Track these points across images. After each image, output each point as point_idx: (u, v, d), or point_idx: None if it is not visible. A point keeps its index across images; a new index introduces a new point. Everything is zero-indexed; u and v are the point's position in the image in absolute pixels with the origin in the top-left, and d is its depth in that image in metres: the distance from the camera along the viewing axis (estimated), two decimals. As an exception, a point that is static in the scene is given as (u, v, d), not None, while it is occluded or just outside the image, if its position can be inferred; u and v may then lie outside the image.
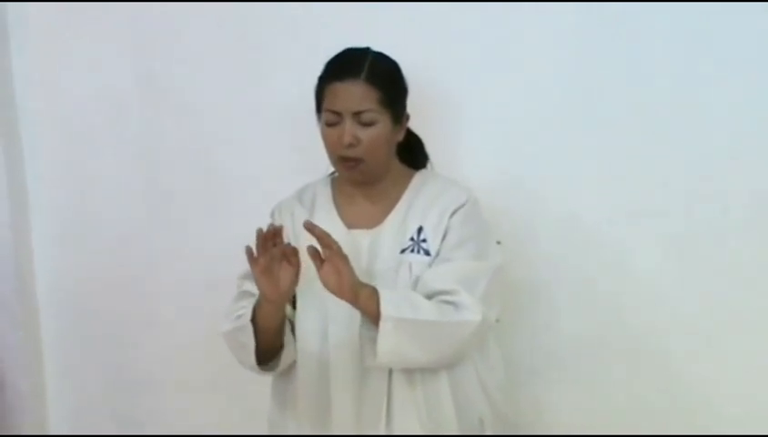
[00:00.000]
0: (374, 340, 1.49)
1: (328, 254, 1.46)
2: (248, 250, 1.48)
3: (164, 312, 2.30)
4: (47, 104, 2.34)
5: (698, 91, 1.80)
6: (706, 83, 1.79)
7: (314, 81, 1.63)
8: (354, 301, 1.49)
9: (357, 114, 1.56)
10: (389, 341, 1.47)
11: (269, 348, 1.61)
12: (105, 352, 2.40)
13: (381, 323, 1.46)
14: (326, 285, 1.47)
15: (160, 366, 2.34)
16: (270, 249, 1.48)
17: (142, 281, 2.32)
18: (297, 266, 1.52)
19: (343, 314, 1.59)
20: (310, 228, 1.45)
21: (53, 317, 2.43)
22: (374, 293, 1.49)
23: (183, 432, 2.29)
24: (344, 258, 1.46)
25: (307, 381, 1.63)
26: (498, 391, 1.67)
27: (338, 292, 1.47)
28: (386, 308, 1.47)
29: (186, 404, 2.31)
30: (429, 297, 1.53)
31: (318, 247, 1.46)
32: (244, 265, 1.64)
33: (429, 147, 1.79)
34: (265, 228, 1.48)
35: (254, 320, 1.58)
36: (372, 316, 1.49)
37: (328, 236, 1.46)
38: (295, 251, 1.51)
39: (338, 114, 1.57)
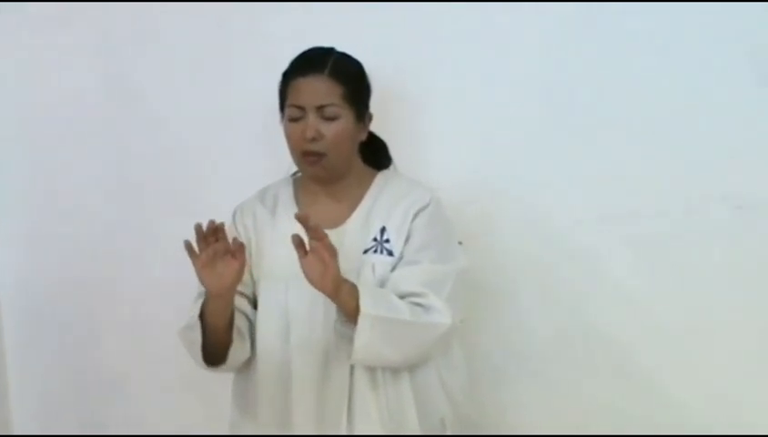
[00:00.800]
0: (347, 337, 1.49)
1: (317, 246, 1.44)
2: (187, 245, 1.46)
3: (131, 313, 2.28)
4: (17, 104, 2.32)
5: (672, 93, 1.81)
6: (679, 85, 1.80)
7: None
8: (334, 295, 1.48)
9: (320, 108, 1.56)
10: (366, 339, 1.47)
11: (221, 345, 1.59)
12: (70, 355, 2.38)
13: (360, 320, 1.46)
14: (307, 275, 1.45)
15: (127, 367, 2.32)
16: (212, 245, 1.47)
17: (109, 282, 2.30)
18: (242, 261, 1.50)
19: (305, 314, 1.59)
20: (304, 219, 1.44)
21: (18, 317, 2.41)
22: (354, 289, 1.48)
23: (149, 433, 2.27)
24: (333, 251, 1.45)
25: (267, 382, 1.62)
26: (460, 391, 1.67)
27: (320, 284, 1.46)
28: (365, 305, 1.46)
29: (153, 406, 2.29)
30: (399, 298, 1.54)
31: (304, 236, 1.45)
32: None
33: (398, 147, 1.79)
34: (204, 225, 1.47)
35: (203, 317, 1.56)
36: (350, 312, 1.49)
37: (320, 227, 1.45)
38: (241, 247, 1.50)
39: (301, 108, 1.57)
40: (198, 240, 1.47)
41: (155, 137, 2.21)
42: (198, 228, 1.46)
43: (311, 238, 1.44)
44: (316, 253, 1.44)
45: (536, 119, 1.90)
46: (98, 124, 2.25)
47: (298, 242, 1.44)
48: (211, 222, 1.47)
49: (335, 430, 1.57)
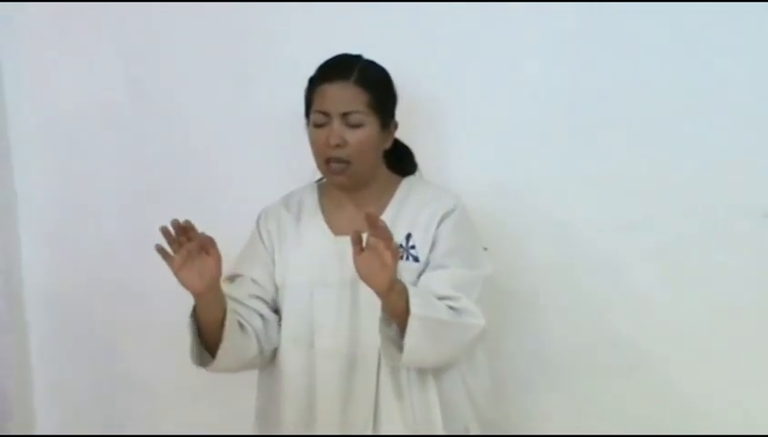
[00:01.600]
0: (390, 339, 1.49)
1: (378, 244, 1.40)
2: (159, 248, 1.45)
3: (153, 314, 2.28)
4: (38, 106, 2.34)
5: (691, 103, 1.82)
6: (699, 95, 1.81)
7: (300, 86, 1.64)
8: (386, 295, 1.45)
9: (345, 115, 1.56)
10: (415, 339, 1.45)
11: (216, 344, 1.55)
12: (93, 355, 2.39)
13: (410, 321, 1.44)
14: (360, 272, 1.43)
15: (149, 368, 2.32)
16: (185, 245, 1.45)
17: (131, 283, 2.30)
18: (216, 256, 1.47)
19: (329, 322, 1.60)
20: (373, 218, 1.41)
21: (41, 319, 2.42)
22: (404, 290, 1.47)
23: (172, 435, 2.28)
24: (396, 253, 1.42)
25: (291, 388, 1.62)
26: (484, 397, 1.67)
27: (374, 281, 1.44)
28: (415, 305, 1.45)
29: (175, 407, 2.29)
30: None
31: (364, 236, 1.42)
32: (229, 267, 1.64)
33: (420, 153, 1.79)
34: (170, 226, 1.45)
35: (196, 317, 1.55)
36: (397, 312, 1.47)
37: (388, 228, 1.42)
38: (212, 241, 1.47)
39: (326, 114, 1.57)
40: (169, 242, 1.45)
41: (175, 140, 2.22)
42: (165, 229, 1.44)
43: (376, 237, 1.41)
44: (374, 252, 1.41)
45: (557, 127, 1.90)
46: (119, 126, 2.27)
47: (356, 239, 1.42)
48: (175, 221, 1.44)
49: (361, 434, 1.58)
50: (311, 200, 1.71)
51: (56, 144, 2.34)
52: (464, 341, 1.55)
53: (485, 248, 1.67)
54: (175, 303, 2.21)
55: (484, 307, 1.57)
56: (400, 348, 1.47)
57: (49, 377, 2.43)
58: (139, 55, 2.22)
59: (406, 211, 1.64)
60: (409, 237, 1.61)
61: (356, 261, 1.43)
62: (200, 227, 2.16)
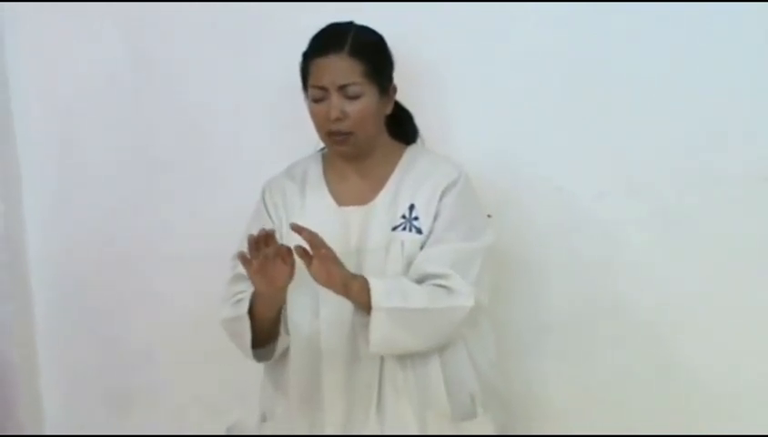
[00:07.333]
0: (367, 328, 1.51)
1: (317, 254, 1.45)
2: (241, 255, 1.47)
3: (157, 286, 2.30)
4: (41, 77, 2.34)
5: (691, 66, 1.80)
6: (700, 58, 1.79)
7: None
8: (345, 294, 1.50)
9: (342, 87, 1.55)
10: (382, 331, 1.49)
11: (266, 336, 1.62)
12: (97, 325, 2.40)
13: (373, 314, 1.48)
14: (316, 280, 1.48)
15: (153, 339, 2.34)
16: (263, 250, 1.47)
17: (135, 254, 2.31)
18: (291, 265, 1.50)
19: (334, 293, 1.59)
20: (298, 229, 1.45)
21: (45, 289, 2.44)
22: (365, 284, 1.49)
23: (175, 406, 2.30)
24: (333, 258, 1.47)
25: (297, 357, 1.63)
26: (488, 365, 1.68)
27: (329, 287, 1.50)
28: (377, 299, 1.48)
29: (178, 379, 2.32)
30: (422, 280, 1.54)
31: (307, 246, 1.45)
32: (236, 241, 1.64)
33: (422, 121, 1.78)
34: (256, 233, 1.47)
35: (251, 310, 1.59)
36: (363, 306, 1.51)
37: (316, 236, 1.45)
38: (289, 251, 1.49)
39: (323, 89, 1.56)
40: (251, 249, 1.46)
41: (178, 111, 2.21)
42: (251, 237, 1.46)
43: (310, 246, 1.45)
44: (319, 261, 1.45)
45: (561, 93, 1.89)
46: (121, 97, 2.26)
47: (301, 253, 1.45)
48: (262, 230, 1.47)
49: (365, 405, 1.59)
50: (315, 171, 1.71)
51: (59, 114, 2.34)
52: (449, 324, 1.56)
53: (489, 216, 1.67)
54: (178, 274, 2.25)
55: (485, 277, 1.58)
56: None
57: (52, 345, 2.45)
58: (141, 27, 2.20)
59: (409, 181, 1.64)
60: (412, 208, 1.61)
61: (310, 272, 1.47)
62: (207, 197, 2.17)
